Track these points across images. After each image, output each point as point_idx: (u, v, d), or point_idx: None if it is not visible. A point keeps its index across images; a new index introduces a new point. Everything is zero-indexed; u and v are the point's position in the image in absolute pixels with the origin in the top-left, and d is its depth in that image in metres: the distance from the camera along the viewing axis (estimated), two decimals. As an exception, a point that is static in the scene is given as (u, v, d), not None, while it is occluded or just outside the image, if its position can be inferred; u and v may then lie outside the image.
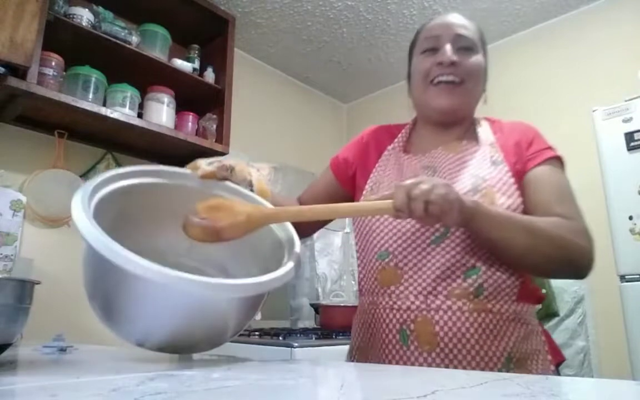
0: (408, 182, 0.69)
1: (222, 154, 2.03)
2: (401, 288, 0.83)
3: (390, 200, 0.70)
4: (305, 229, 0.94)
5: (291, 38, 2.52)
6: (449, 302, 0.79)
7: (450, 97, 0.91)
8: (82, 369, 0.65)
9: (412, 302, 0.82)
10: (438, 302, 0.80)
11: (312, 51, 2.64)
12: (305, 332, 1.71)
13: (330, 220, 1.00)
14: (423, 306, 0.81)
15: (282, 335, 1.61)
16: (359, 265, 0.95)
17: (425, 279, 0.81)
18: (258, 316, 0.75)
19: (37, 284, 0.68)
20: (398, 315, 0.83)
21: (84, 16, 1.66)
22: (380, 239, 0.87)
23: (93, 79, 1.68)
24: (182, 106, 1.97)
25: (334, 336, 1.64)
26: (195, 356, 0.74)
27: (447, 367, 0.77)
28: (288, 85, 2.90)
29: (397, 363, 0.82)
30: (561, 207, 0.80)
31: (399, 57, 2.70)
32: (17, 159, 1.69)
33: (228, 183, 0.82)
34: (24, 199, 1.18)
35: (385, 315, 0.85)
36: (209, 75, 2.06)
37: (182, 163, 2.40)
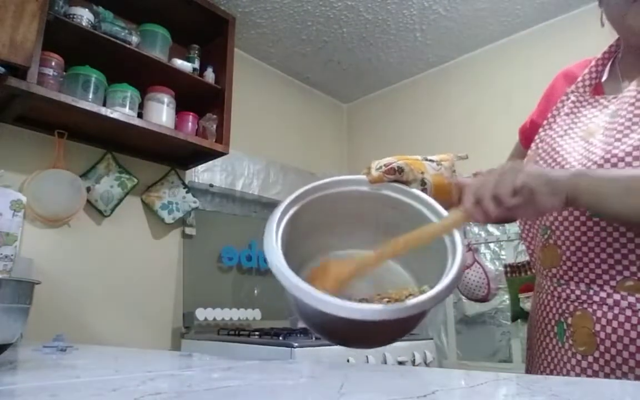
0: (476, 180, 0.60)
1: (222, 154, 2.03)
2: (561, 272, 0.69)
3: (460, 209, 0.61)
4: None
5: (291, 38, 2.52)
6: (616, 296, 0.63)
7: None
8: (82, 369, 0.66)
9: (573, 291, 0.67)
10: (603, 294, 0.64)
11: (312, 51, 2.64)
12: (305, 332, 1.71)
13: None
14: (584, 297, 0.66)
15: (282, 335, 1.61)
16: (525, 241, 0.82)
17: (587, 263, 0.65)
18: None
19: (37, 284, 0.68)
20: (558, 305, 0.70)
21: (84, 16, 1.65)
22: None
23: (93, 79, 1.68)
24: (182, 106, 1.97)
25: (334, 336, 1.64)
26: (195, 356, 0.74)
27: (606, 376, 0.63)
28: (288, 85, 2.90)
29: (550, 361, 0.70)
30: None
31: (399, 57, 2.70)
32: (17, 159, 1.69)
33: (396, 185, 0.80)
34: (24, 199, 1.18)
35: (547, 302, 0.72)
36: (209, 75, 2.06)
37: (182, 163, 2.41)
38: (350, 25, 2.41)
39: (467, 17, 2.35)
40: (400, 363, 1.67)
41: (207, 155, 2.06)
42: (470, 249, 2.06)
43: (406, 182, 0.80)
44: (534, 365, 0.78)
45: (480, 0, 2.24)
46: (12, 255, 1.11)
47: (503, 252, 2.25)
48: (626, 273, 0.63)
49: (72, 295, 1.76)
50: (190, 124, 1.98)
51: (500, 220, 0.64)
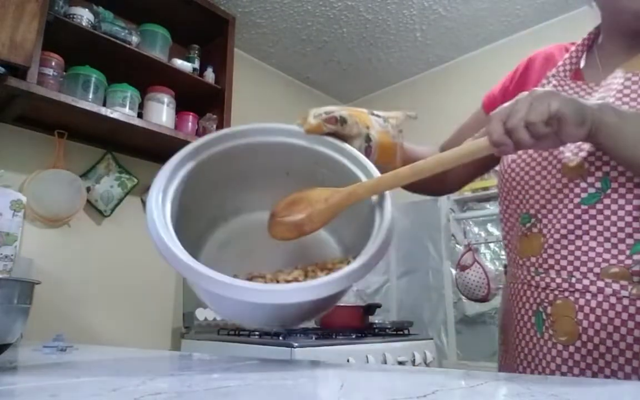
0: (503, 107, 0.55)
1: (222, 154, 2.03)
2: (540, 260, 0.67)
3: (485, 138, 0.55)
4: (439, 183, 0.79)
5: (291, 38, 2.52)
6: (600, 283, 0.62)
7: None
8: (82, 369, 0.66)
9: (553, 279, 0.66)
10: (586, 281, 0.62)
11: (312, 51, 2.64)
12: (305, 332, 1.71)
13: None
14: (565, 285, 0.64)
15: (282, 335, 1.61)
16: (502, 231, 0.80)
17: (573, 250, 0.64)
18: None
19: (37, 284, 0.68)
20: (536, 294, 0.68)
21: (84, 16, 1.65)
22: (522, 198, 0.71)
23: (93, 79, 1.68)
24: (182, 106, 1.97)
25: (334, 336, 1.64)
26: (195, 356, 0.74)
27: (588, 367, 0.62)
28: (288, 85, 2.90)
29: (527, 353, 0.68)
30: None
31: (399, 57, 2.70)
32: (17, 159, 1.69)
33: (334, 140, 0.69)
34: (24, 199, 1.18)
35: (523, 293, 0.70)
36: (209, 75, 2.06)
37: (182, 163, 2.36)
38: (350, 25, 2.41)
39: (467, 17, 2.35)
40: (400, 363, 1.67)
41: (207, 155, 2.06)
42: (470, 249, 2.06)
43: (348, 137, 0.70)
44: (508, 359, 0.76)
45: (480, 0, 2.24)
46: (12, 255, 1.11)
47: (503, 252, 2.25)
48: (612, 261, 0.61)
49: (72, 295, 1.76)
50: (190, 124, 1.98)
51: (529, 147, 0.55)
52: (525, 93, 0.55)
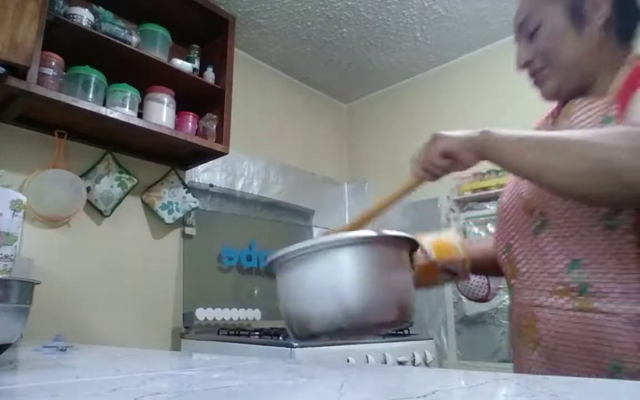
0: (419, 152, 0.79)
1: (222, 154, 2.03)
2: (517, 283, 0.80)
3: (414, 175, 0.80)
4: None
5: (291, 38, 2.52)
6: (552, 299, 0.73)
7: (541, 89, 0.84)
8: (82, 369, 0.66)
9: (524, 298, 0.78)
10: (543, 297, 0.74)
11: (312, 51, 2.64)
12: (305, 332, 1.71)
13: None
14: (532, 302, 0.77)
15: (282, 335, 1.61)
16: (497, 255, 0.91)
17: (533, 272, 0.77)
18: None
19: (37, 284, 0.68)
20: (517, 311, 0.81)
21: (84, 16, 1.65)
22: (501, 231, 0.86)
23: (93, 79, 1.68)
24: (182, 106, 1.97)
25: (334, 336, 1.64)
26: (195, 356, 0.74)
27: (551, 368, 0.72)
28: (288, 85, 2.90)
29: (520, 358, 0.82)
30: (637, 116, 0.63)
31: (399, 57, 2.70)
32: (17, 159, 1.69)
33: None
34: (24, 199, 1.18)
35: (513, 309, 0.84)
36: (209, 75, 2.06)
37: (182, 163, 2.41)
38: (350, 25, 2.41)
39: (467, 17, 2.35)
40: (400, 363, 1.67)
41: (207, 155, 2.06)
42: (470, 249, 2.06)
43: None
44: (516, 363, 0.88)
45: (480, 0, 2.24)
46: (12, 255, 1.11)
47: (503, 252, 2.24)
48: (557, 279, 0.73)
49: (72, 295, 1.76)
50: (190, 124, 1.98)
51: (445, 174, 0.78)
52: (433, 136, 0.77)
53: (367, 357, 1.56)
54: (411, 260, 0.77)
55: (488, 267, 0.97)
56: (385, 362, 1.61)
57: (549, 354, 0.73)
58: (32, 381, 0.50)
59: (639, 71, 0.71)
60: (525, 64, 0.84)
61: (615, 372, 0.65)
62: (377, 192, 2.89)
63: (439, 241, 0.95)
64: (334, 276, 0.68)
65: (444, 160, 0.75)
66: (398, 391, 0.44)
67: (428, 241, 0.95)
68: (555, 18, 0.79)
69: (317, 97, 3.09)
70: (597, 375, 0.66)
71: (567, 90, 0.80)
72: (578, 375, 0.66)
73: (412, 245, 0.76)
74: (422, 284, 0.92)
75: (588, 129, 0.69)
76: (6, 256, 1.10)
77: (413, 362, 1.73)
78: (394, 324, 0.73)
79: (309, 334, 0.71)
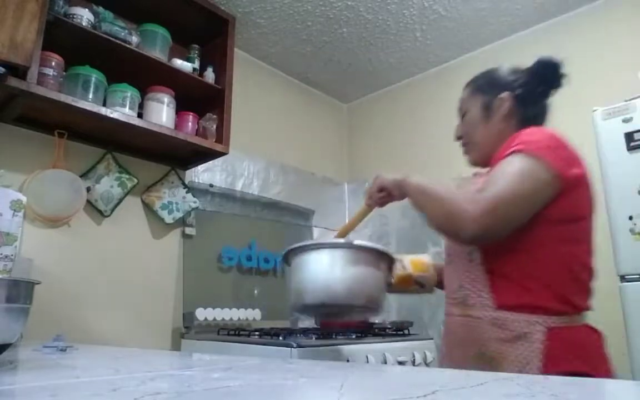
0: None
1: (222, 154, 2.03)
2: (445, 298, 1.10)
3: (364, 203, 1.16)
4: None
5: (291, 38, 2.52)
6: (450, 309, 1.04)
7: (466, 158, 1.12)
8: (82, 369, 0.66)
9: (445, 308, 1.08)
10: (448, 308, 1.05)
11: (312, 51, 2.64)
12: (305, 332, 1.71)
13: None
14: (446, 311, 1.07)
15: (282, 335, 1.61)
16: None
17: (447, 291, 1.07)
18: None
19: (37, 284, 0.68)
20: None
21: (84, 16, 1.65)
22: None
23: (93, 79, 1.68)
24: (182, 106, 1.97)
25: (334, 336, 1.64)
26: (195, 356, 0.74)
27: (446, 356, 1.04)
28: (288, 85, 2.90)
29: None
30: (487, 184, 0.91)
31: (399, 57, 2.70)
32: (17, 159, 1.69)
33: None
34: (24, 199, 1.18)
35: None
36: (209, 75, 2.06)
37: (182, 163, 2.40)
38: (350, 25, 2.41)
39: (467, 17, 2.35)
40: (400, 363, 1.67)
41: (207, 155, 2.06)
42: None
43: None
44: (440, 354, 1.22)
45: (480, 0, 2.24)
46: (12, 255, 1.11)
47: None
48: (454, 296, 1.03)
49: (72, 295, 1.75)
50: (190, 124, 1.98)
51: (386, 202, 1.11)
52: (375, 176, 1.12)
53: (367, 357, 1.56)
54: (391, 269, 1.15)
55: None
56: (385, 362, 1.61)
57: (448, 346, 1.04)
58: (32, 381, 0.50)
59: (506, 147, 0.95)
60: (458, 138, 1.13)
61: (480, 356, 0.93)
62: (377, 192, 2.88)
63: (416, 259, 1.27)
64: (325, 266, 1.04)
65: (381, 193, 1.09)
66: (398, 391, 0.44)
67: (408, 258, 1.27)
68: (475, 109, 1.09)
69: (317, 97, 3.09)
70: (467, 361, 0.94)
71: (482, 162, 1.08)
72: (461, 360, 0.96)
73: (391, 259, 1.13)
74: (398, 290, 1.29)
75: (451, 187, 0.97)
76: (6, 256, 1.10)
77: (413, 362, 1.73)
78: (364, 309, 1.13)
79: (302, 303, 1.07)
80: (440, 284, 1.23)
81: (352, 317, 1.59)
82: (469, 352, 0.95)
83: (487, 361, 0.90)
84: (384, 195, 1.08)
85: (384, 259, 1.09)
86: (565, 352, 0.85)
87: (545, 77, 1.09)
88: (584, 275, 0.92)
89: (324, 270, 1.03)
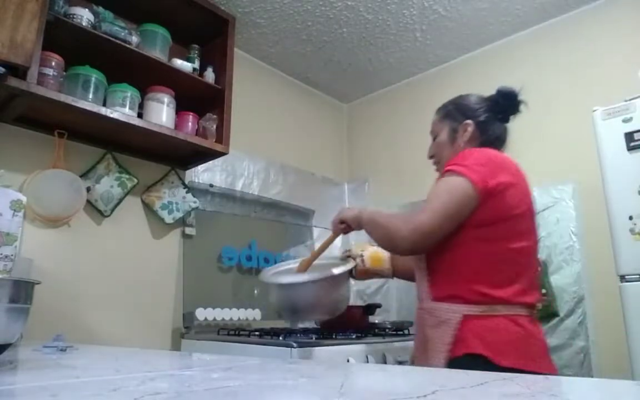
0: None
1: (222, 154, 2.03)
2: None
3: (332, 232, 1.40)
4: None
5: (291, 38, 2.52)
6: (421, 304, 1.21)
7: (437, 173, 1.25)
8: (82, 369, 0.66)
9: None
10: (419, 304, 1.23)
11: (312, 51, 2.64)
12: (305, 332, 1.71)
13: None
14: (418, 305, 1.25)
15: (282, 335, 1.61)
16: None
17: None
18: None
19: (37, 284, 0.68)
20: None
21: (84, 16, 1.65)
22: None
23: (93, 79, 1.68)
24: (182, 106, 1.97)
25: (334, 336, 1.64)
26: (195, 356, 0.74)
27: (421, 351, 1.18)
28: (288, 85, 2.90)
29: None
30: (426, 202, 1.10)
31: (399, 57, 2.70)
32: (17, 159, 1.69)
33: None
34: (24, 199, 1.18)
35: None
36: (209, 75, 2.06)
37: (182, 163, 2.40)
38: (350, 25, 2.41)
39: (467, 17, 2.35)
40: (400, 363, 1.67)
41: (207, 155, 2.06)
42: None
43: (354, 256, 1.51)
44: None
45: (480, 0, 2.24)
46: (12, 255, 1.11)
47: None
48: (428, 297, 1.16)
49: (72, 295, 1.75)
50: (190, 124, 1.98)
51: (348, 231, 1.34)
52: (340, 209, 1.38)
53: (367, 357, 1.56)
54: (351, 272, 1.44)
55: (408, 276, 1.42)
56: (385, 362, 1.61)
57: (420, 340, 1.18)
58: (32, 381, 0.50)
59: (446, 165, 1.14)
60: (430, 157, 1.32)
61: (423, 339, 1.15)
62: (377, 191, 2.89)
63: (375, 254, 1.48)
64: (290, 296, 1.41)
65: (342, 225, 1.32)
66: (398, 391, 0.44)
67: (368, 252, 1.48)
68: (443, 132, 1.29)
69: (317, 97, 3.09)
70: (419, 343, 1.18)
71: None
72: (417, 343, 1.20)
73: (352, 269, 1.44)
74: (360, 279, 1.57)
75: (396, 215, 1.27)
76: (6, 256, 1.10)
77: (413, 362, 1.73)
78: (328, 315, 1.49)
79: (278, 312, 1.50)
80: (397, 274, 1.51)
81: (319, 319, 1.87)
82: (419, 337, 1.19)
83: (425, 342, 1.13)
84: (345, 226, 1.32)
85: (342, 275, 1.38)
86: (472, 336, 1.02)
87: (505, 106, 1.25)
88: (508, 269, 1.06)
89: (293, 296, 1.40)
